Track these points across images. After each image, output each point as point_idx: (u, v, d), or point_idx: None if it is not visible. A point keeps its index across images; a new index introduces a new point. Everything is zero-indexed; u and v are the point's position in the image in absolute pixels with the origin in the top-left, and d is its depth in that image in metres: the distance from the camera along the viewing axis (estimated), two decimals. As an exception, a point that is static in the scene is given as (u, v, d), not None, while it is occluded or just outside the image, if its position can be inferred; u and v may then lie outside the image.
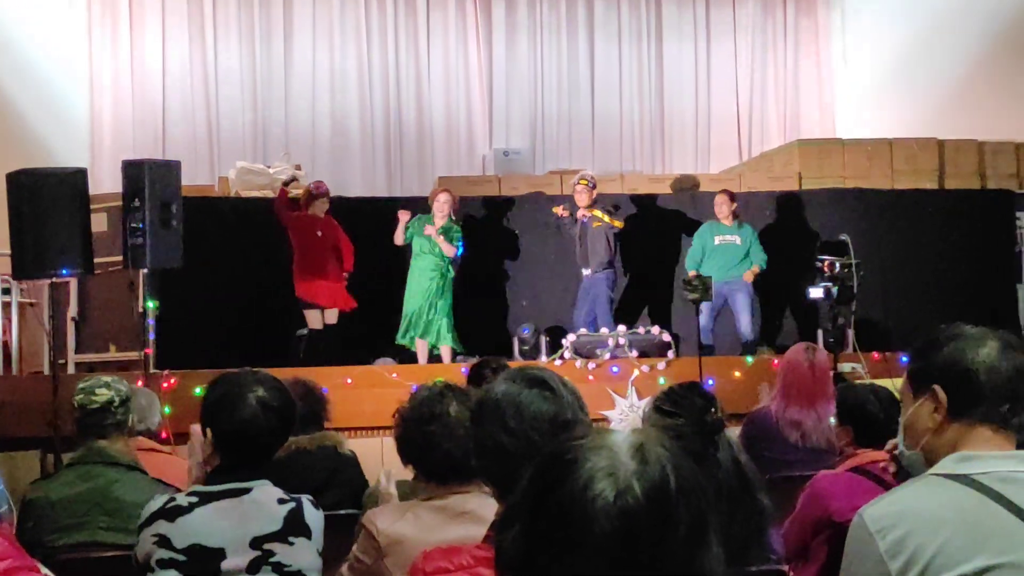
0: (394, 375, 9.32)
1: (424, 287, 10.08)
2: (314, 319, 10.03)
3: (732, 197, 10.57)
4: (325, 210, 10.16)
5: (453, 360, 9.92)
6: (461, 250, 10.23)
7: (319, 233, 10.03)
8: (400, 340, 10.16)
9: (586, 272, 10.37)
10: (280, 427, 3.12)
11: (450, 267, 10.19)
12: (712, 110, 15.02)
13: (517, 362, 9.43)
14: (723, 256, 10.45)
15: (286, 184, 10.30)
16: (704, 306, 10.01)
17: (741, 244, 10.45)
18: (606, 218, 10.30)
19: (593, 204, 10.41)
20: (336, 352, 9.82)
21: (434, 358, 10.14)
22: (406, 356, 10.31)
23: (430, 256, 10.11)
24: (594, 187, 10.47)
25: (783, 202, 11.33)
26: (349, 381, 9.18)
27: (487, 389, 2.36)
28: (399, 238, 10.20)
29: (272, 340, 10.24)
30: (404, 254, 10.50)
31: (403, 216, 10.21)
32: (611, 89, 14.80)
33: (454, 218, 10.31)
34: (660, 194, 11.45)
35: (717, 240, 10.49)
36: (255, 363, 9.16)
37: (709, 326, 10.13)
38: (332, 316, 10.09)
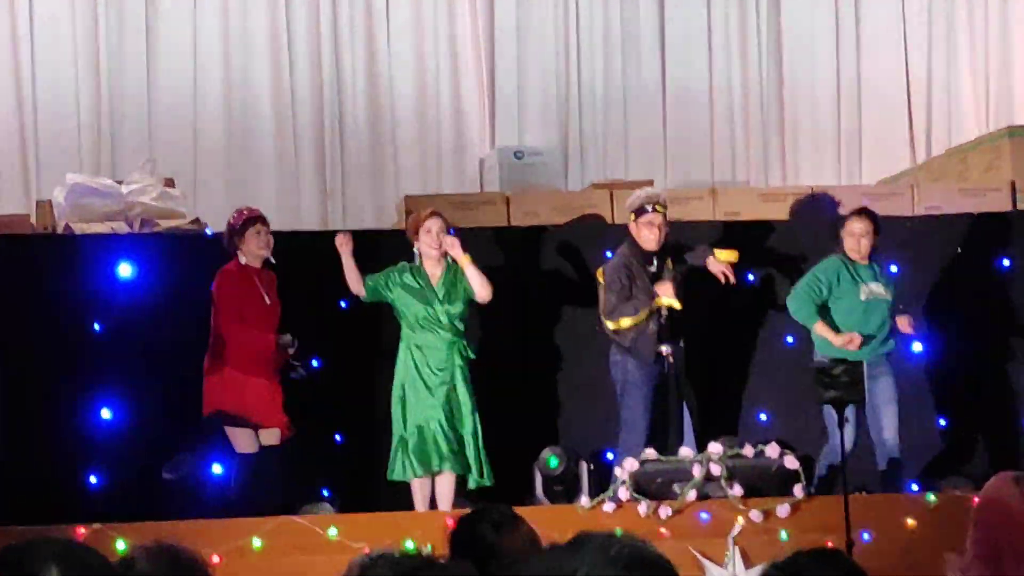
0: (332, 531, 9.34)
1: (436, 384, 10.07)
2: (246, 441, 10.12)
3: (876, 225, 10.53)
4: (268, 249, 10.29)
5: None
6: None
7: (267, 300, 10.19)
8: (397, 476, 10.11)
9: (665, 350, 10.40)
10: None
11: (468, 347, 10.25)
12: (864, 86, 15.16)
13: (541, 508, 9.45)
14: (868, 318, 10.43)
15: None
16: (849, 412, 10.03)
17: (890, 299, 10.44)
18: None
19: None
20: (272, 489, 9.98)
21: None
22: (352, 501, 10.34)
23: (438, 331, 10.15)
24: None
25: (986, 230, 11.41)
26: (257, 543, 9.19)
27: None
28: (356, 284, 10.15)
29: (136, 471, 10.29)
30: (357, 319, 10.55)
31: (344, 245, 10.10)
32: (694, 53, 14.95)
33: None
34: (778, 220, 11.53)
35: (864, 294, 10.48)
36: (106, 513, 9.25)
37: (851, 445, 10.04)
38: (270, 436, 10.17)
